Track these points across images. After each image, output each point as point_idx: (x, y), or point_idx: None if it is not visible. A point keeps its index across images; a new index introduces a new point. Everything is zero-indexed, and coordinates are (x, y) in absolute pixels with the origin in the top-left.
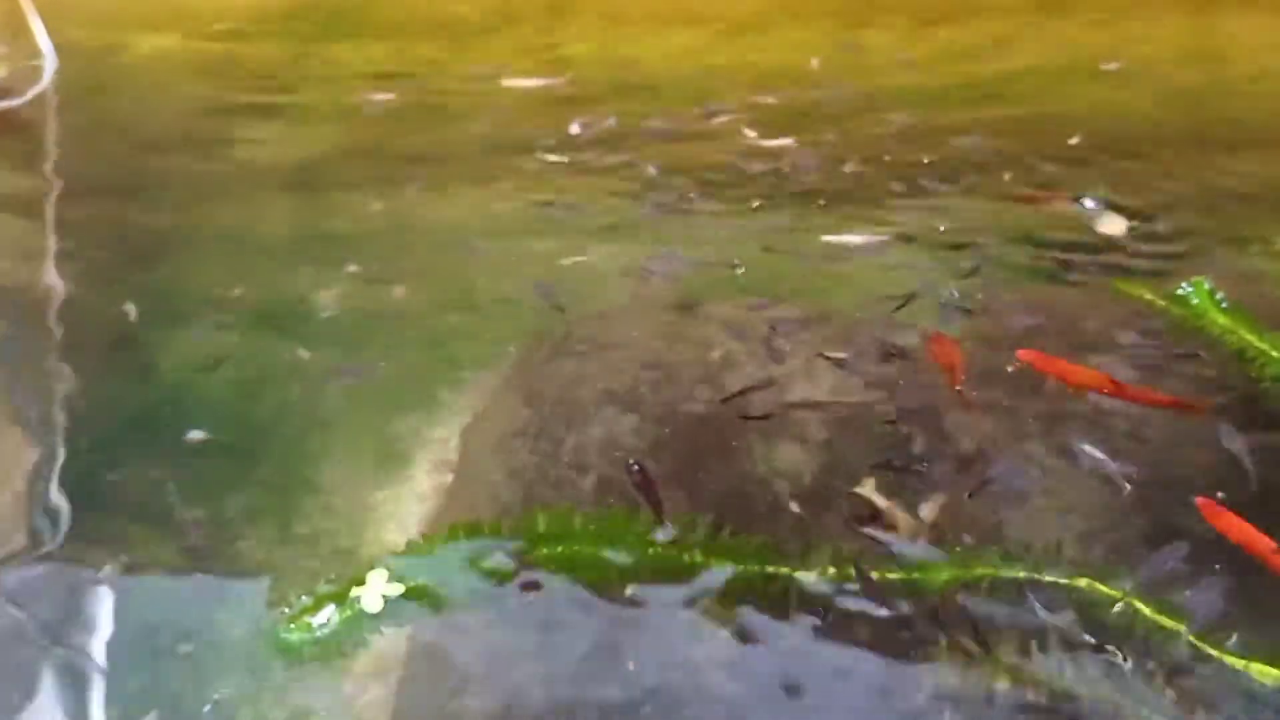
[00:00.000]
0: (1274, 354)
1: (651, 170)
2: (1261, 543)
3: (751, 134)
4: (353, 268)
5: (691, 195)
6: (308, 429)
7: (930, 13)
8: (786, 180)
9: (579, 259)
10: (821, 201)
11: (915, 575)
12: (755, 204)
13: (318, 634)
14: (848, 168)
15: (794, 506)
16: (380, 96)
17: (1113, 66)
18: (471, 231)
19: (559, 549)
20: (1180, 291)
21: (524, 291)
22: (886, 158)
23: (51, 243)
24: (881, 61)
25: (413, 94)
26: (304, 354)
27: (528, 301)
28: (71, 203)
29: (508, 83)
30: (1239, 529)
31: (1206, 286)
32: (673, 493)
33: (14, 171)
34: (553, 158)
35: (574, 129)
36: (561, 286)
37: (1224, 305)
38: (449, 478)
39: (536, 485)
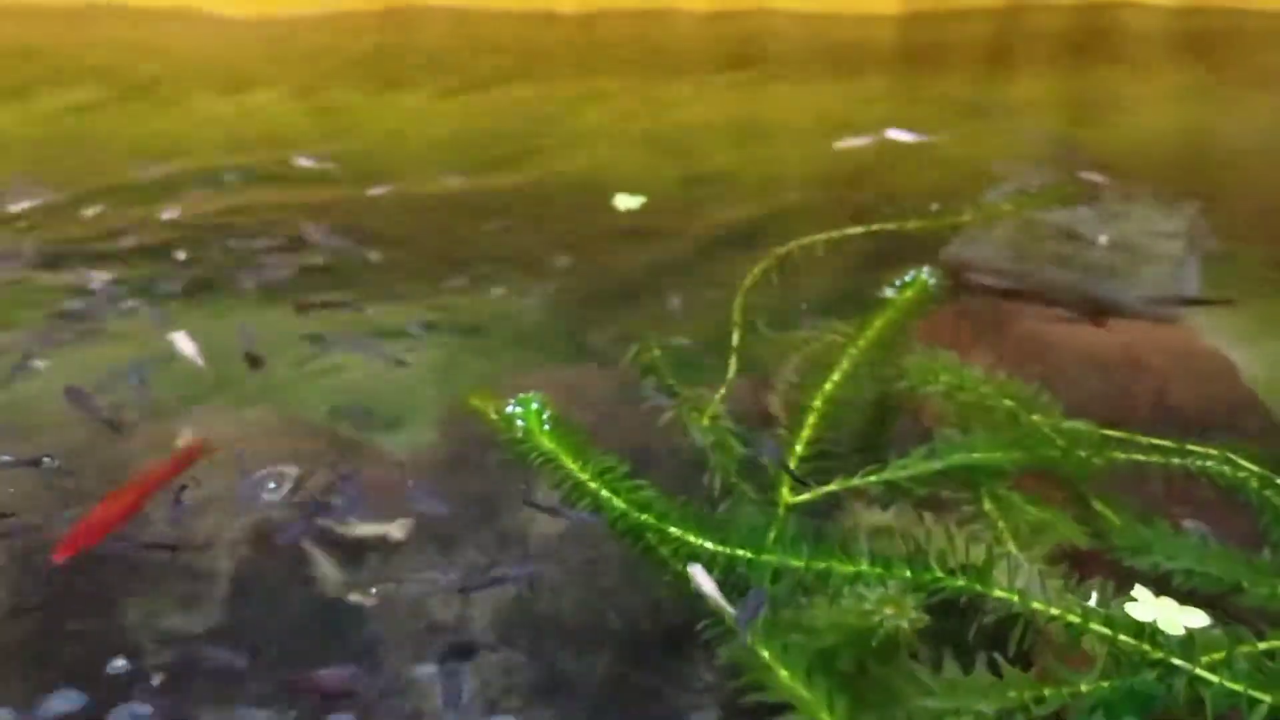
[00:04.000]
0: (590, 484)
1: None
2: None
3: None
4: None
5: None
6: None
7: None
8: None
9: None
10: None
11: None
12: None
13: None
14: None
15: (155, 682)
16: None
17: None
18: None
19: None
20: (509, 409)
21: None
22: None
23: None
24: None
25: None
26: None
27: None
28: None
29: None
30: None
31: (534, 405)
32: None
33: None
34: None
35: None
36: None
37: (548, 425)
38: None
39: None
